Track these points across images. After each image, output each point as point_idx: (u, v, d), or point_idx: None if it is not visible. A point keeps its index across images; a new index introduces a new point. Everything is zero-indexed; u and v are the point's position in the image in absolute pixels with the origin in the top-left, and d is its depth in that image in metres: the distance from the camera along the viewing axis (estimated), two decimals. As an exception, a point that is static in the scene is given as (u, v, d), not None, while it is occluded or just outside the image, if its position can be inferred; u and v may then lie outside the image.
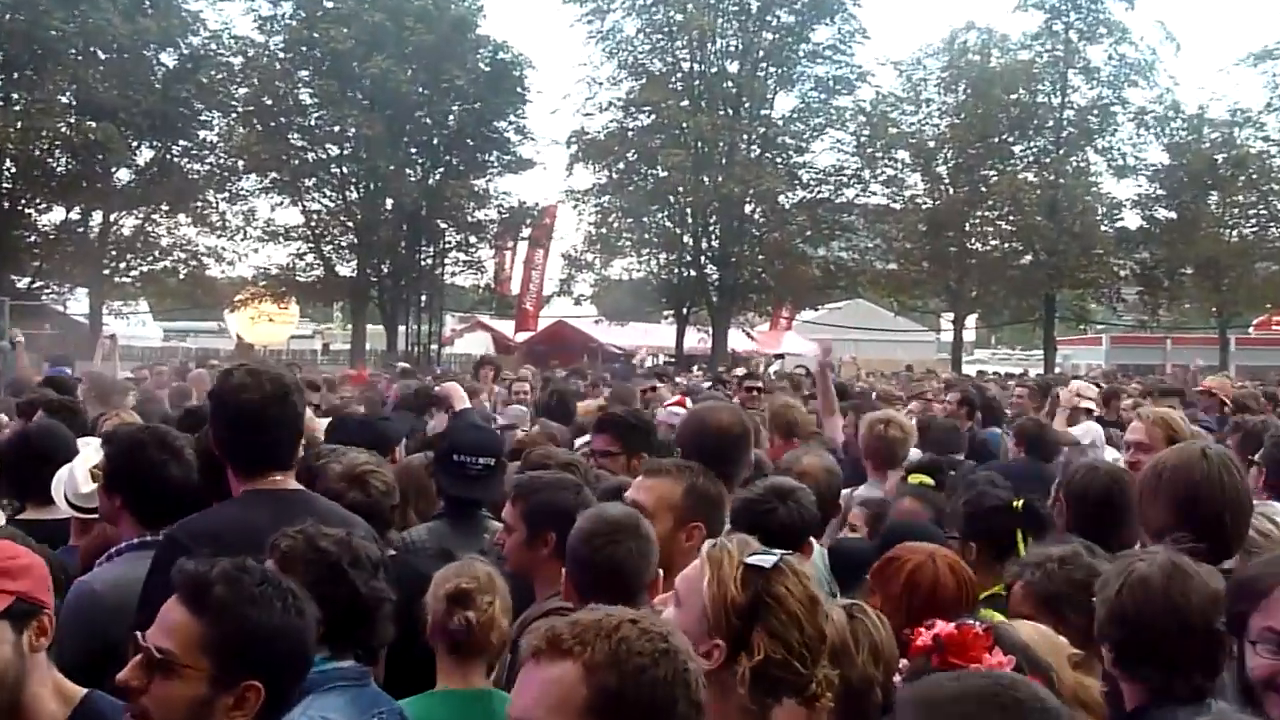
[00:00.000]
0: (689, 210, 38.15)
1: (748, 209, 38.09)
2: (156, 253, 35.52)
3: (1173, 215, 39.17)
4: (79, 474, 4.22)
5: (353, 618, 2.81)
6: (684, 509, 3.59)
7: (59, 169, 33.01)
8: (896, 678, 2.34)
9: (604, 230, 38.71)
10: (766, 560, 2.42)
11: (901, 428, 6.23)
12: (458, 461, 4.72)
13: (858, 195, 39.70)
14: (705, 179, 36.45)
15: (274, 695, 2.33)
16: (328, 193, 37.84)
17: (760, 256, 38.41)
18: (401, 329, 39.13)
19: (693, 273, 38.47)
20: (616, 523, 3.26)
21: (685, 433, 4.47)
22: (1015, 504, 4.18)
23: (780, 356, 36.43)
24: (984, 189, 38.36)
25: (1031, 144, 39.66)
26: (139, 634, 2.33)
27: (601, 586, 3.00)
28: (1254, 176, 38.51)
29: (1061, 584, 3.24)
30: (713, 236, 38.62)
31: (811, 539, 3.90)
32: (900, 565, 3.27)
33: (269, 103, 35.60)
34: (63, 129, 31.28)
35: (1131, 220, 40.02)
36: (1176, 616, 2.71)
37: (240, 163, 35.77)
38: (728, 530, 3.49)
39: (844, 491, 5.47)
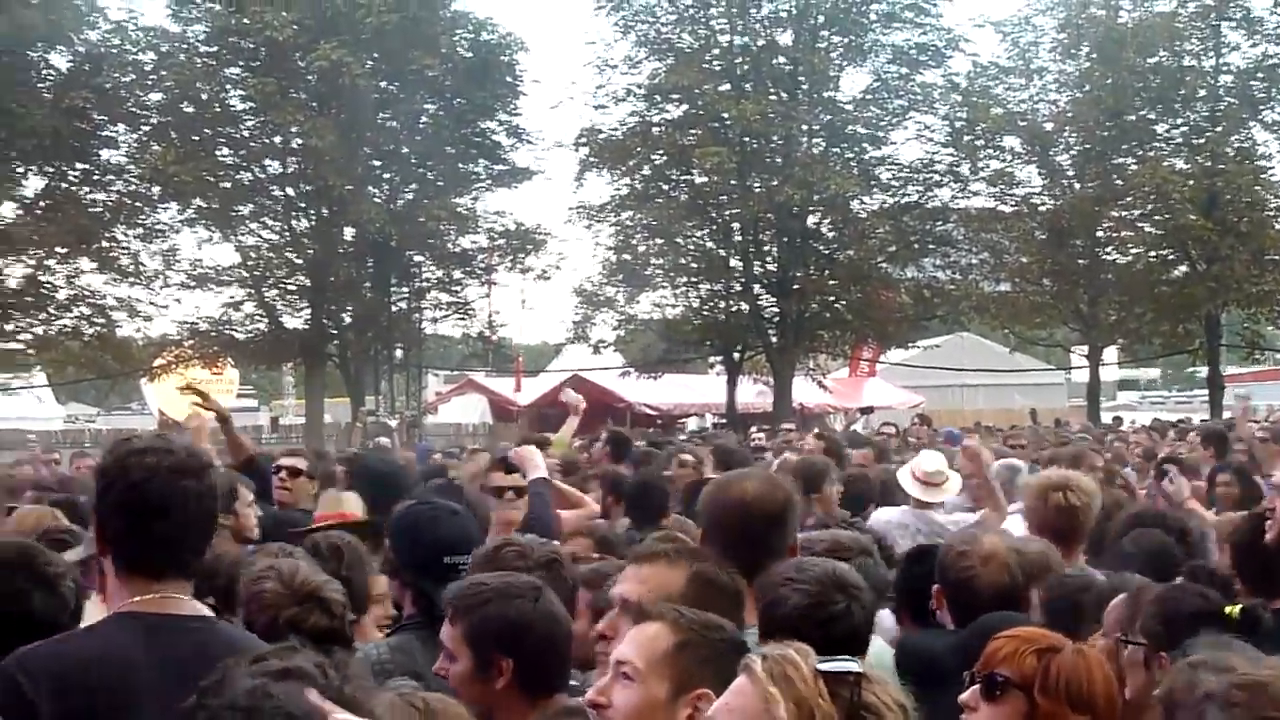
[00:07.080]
0: (736, 225, 38.14)
1: (811, 220, 38.04)
2: (52, 308, 35.64)
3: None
4: None
5: None
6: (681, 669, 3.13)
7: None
8: None
9: (627, 256, 38.72)
10: (846, 664, 2.54)
11: (1085, 492, 6.23)
12: (448, 564, 4.68)
13: (955, 197, 39.70)
14: (755, 184, 36.39)
15: None
16: (269, 222, 38.02)
17: (831, 282, 38.25)
18: (370, 396, 39.04)
19: (744, 306, 38.33)
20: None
21: (705, 511, 4.43)
22: (1230, 610, 4.09)
23: (865, 411, 36.11)
24: (1119, 182, 38.20)
25: (1179, 121, 39.49)
26: None
27: None
28: None
29: None
30: (768, 258, 38.54)
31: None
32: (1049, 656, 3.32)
33: (189, 110, 35.85)
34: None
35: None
36: None
37: (155, 189, 35.98)
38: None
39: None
